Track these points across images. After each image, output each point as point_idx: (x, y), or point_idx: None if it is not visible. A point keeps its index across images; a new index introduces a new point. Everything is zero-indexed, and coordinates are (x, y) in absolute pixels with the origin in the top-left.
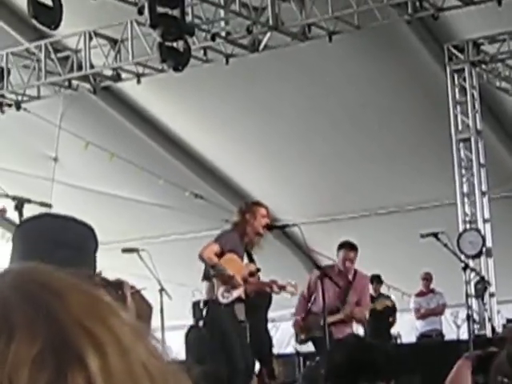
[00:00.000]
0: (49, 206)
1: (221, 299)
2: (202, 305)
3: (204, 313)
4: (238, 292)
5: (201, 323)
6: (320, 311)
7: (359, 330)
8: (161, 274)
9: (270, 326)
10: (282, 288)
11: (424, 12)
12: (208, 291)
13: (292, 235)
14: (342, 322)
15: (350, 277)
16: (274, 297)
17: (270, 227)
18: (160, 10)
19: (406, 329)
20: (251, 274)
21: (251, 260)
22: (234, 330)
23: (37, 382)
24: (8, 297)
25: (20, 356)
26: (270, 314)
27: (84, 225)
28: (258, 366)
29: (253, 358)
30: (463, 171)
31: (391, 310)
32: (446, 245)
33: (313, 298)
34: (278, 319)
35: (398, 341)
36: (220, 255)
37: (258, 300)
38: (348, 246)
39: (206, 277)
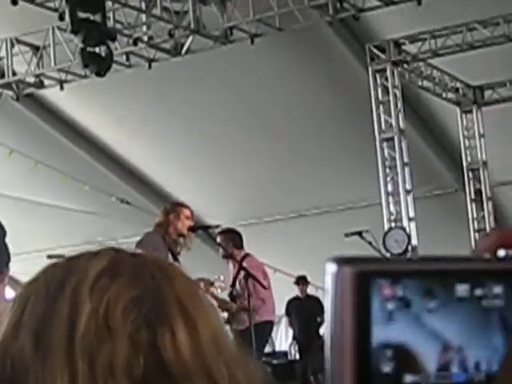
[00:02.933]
0: None
1: None
2: None
3: None
4: None
5: None
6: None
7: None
8: None
9: None
10: (211, 284)
11: (345, 13)
12: None
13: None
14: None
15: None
16: None
17: (193, 229)
18: (81, 15)
19: None
20: None
21: (175, 260)
22: None
23: (127, 319)
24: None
25: (119, 292)
26: None
27: None
28: None
29: None
30: (387, 170)
31: (320, 311)
32: (370, 243)
33: None
34: None
35: None
36: None
37: None
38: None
39: None
